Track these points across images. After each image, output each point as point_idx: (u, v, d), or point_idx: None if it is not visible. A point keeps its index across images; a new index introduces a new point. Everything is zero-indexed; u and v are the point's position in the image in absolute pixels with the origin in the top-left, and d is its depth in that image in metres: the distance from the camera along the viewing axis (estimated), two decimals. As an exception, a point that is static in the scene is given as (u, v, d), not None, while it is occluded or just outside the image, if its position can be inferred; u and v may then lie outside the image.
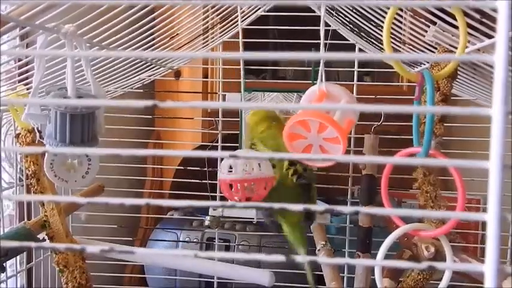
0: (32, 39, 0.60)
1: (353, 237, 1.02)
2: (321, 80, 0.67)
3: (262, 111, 0.80)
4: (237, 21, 1.00)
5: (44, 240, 0.77)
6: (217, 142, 1.07)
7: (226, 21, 1.01)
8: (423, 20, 0.70)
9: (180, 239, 1.19)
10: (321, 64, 0.68)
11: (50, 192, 0.73)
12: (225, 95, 1.05)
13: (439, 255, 0.62)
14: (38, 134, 0.68)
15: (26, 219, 0.86)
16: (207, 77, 1.19)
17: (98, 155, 0.61)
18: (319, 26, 0.70)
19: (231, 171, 0.69)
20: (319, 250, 0.84)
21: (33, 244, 0.26)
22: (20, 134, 0.75)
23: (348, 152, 0.88)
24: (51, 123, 0.57)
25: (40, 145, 0.70)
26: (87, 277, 0.76)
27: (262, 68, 1.29)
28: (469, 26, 0.54)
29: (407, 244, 0.67)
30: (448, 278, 0.52)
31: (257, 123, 0.80)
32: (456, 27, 0.62)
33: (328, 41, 0.87)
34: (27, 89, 0.74)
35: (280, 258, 0.27)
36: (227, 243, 1.15)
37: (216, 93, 1.11)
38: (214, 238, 1.14)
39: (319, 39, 0.69)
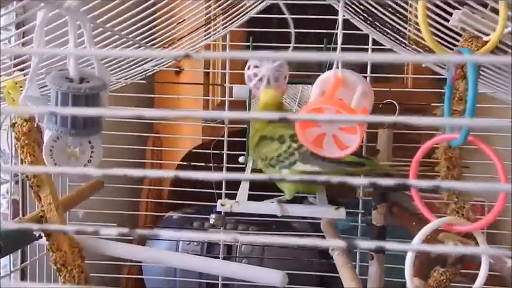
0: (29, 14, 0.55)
1: (364, 236, 0.99)
2: (337, 66, 0.64)
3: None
4: (242, 11, 0.97)
5: (40, 237, 0.72)
6: (222, 137, 1.03)
7: (230, 11, 0.97)
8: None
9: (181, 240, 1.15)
10: (338, 51, 0.64)
11: (48, 185, 0.68)
12: (232, 87, 1.01)
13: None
14: (36, 117, 0.62)
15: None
16: (208, 68, 1.15)
17: (101, 143, 0.56)
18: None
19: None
20: (332, 249, 0.80)
21: (35, 226, 0.22)
22: (16, 123, 0.70)
23: (359, 147, 0.84)
24: (51, 105, 0.53)
25: (39, 128, 0.65)
26: (86, 277, 0.71)
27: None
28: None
29: (431, 242, 0.63)
30: (484, 275, 0.48)
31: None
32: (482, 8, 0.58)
33: (339, 31, 0.83)
34: (24, 75, 0.70)
35: (307, 241, 0.22)
36: (230, 243, 1.12)
37: (218, 85, 1.07)
38: (217, 238, 1.10)
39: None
